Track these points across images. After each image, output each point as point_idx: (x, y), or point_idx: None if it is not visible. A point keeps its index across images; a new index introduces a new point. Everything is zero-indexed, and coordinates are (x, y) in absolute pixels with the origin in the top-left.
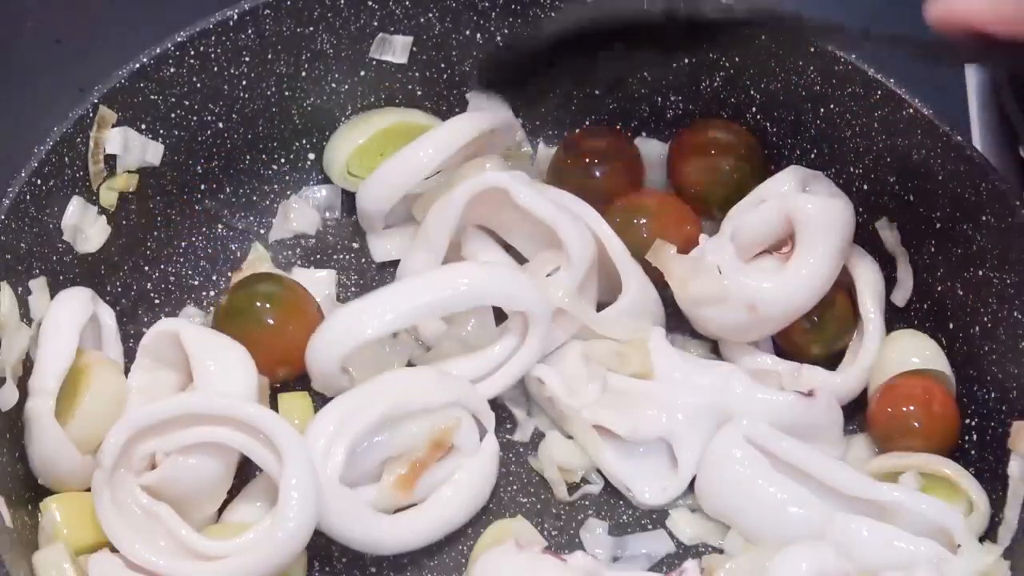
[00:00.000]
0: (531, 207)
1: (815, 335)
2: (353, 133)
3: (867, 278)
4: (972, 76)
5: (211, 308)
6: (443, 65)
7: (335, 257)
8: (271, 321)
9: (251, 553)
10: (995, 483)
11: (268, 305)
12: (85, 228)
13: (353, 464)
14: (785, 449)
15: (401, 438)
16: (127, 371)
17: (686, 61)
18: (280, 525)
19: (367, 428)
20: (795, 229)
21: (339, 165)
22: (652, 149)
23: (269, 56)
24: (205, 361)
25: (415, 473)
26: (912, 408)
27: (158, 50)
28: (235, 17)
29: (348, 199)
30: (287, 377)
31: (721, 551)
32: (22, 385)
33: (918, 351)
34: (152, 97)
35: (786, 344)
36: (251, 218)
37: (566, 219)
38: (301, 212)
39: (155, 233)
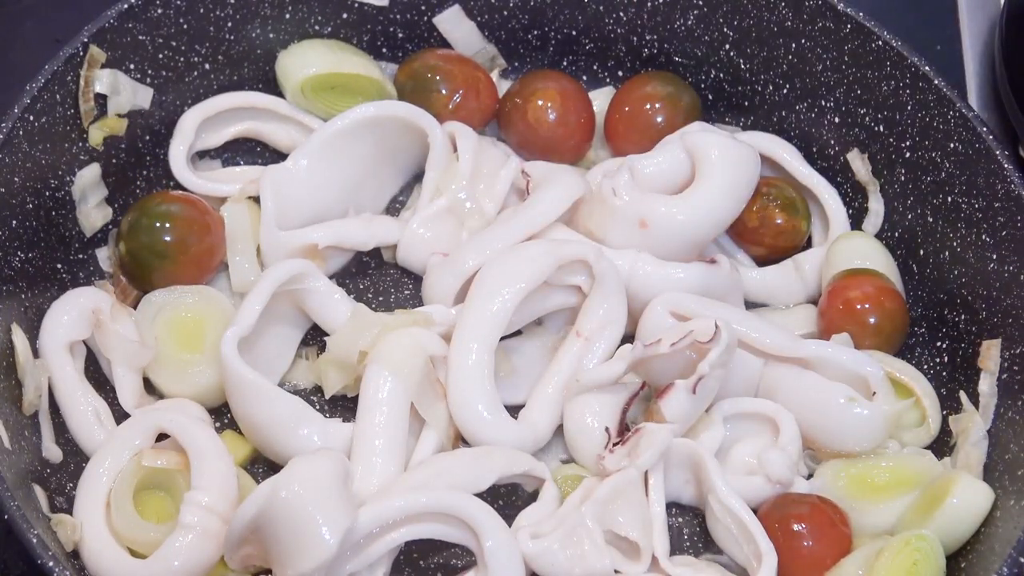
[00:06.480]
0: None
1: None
2: (311, 55)
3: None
4: (972, 78)
5: None
6: (423, 7)
7: None
8: (168, 239)
9: None
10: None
11: (168, 224)
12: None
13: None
14: (711, 312)
15: None
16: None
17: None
18: None
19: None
20: (695, 164)
21: (293, 83)
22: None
23: None
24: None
25: None
26: (866, 305)
27: None
28: None
29: None
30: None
31: None
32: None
33: (863, 252)
34: (140, 38)
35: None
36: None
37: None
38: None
39: (144, 172)
